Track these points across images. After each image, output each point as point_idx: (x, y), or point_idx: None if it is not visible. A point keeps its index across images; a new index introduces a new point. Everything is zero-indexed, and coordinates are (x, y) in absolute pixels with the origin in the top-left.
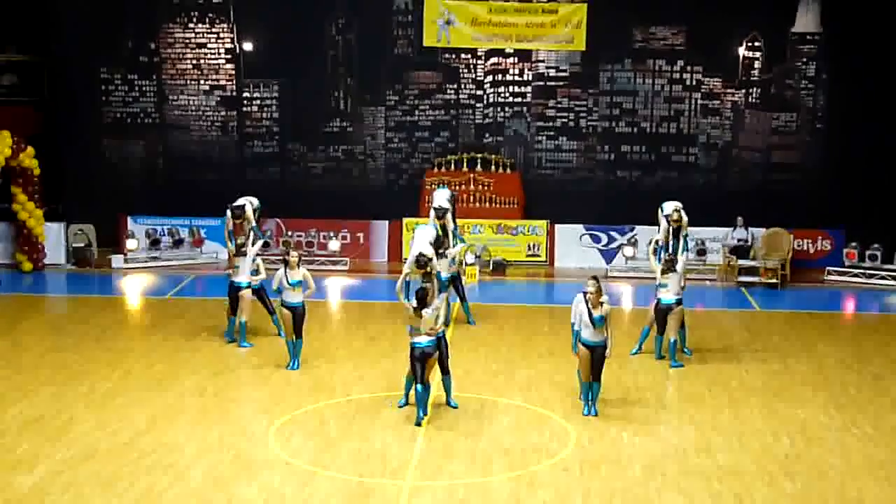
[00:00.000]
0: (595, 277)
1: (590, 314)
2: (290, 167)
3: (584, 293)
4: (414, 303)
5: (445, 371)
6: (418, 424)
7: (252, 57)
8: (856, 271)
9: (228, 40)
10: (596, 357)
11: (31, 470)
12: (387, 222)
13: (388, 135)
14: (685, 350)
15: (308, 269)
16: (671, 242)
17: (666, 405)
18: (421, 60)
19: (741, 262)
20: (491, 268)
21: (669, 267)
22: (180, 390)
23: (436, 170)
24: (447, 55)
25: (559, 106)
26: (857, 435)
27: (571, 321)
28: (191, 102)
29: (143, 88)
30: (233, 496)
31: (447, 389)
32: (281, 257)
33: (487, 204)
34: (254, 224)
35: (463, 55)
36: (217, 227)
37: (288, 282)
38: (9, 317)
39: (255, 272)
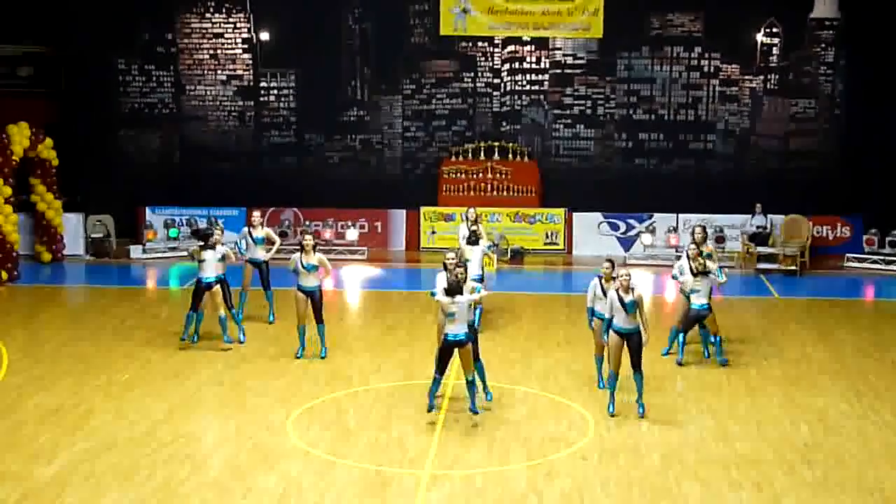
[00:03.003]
0: (610, 259)
1: (621, 300)
2: (307, 157)
3: (600, 277)
4: (447, 298)
5: (476, 358)
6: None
7: (269, 47)
8: (875, 258)
9: (245, 30)
10: (632, 346)
11: (50, 461)
12: (404, 211)
13: (405, 124)
14: (679, 356)
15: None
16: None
17: (684, 394)
18: (437, 49)
19: (760, 249)
20: (509, 256)
21: (701, 271)
22: (198, 381)
23: (453, 158)
24: (464, 44)
25: (576, 94)
26: (876, 422)
27: (588, 306)
28: (208, 93)
29: (161, 79)
30: (251, 486)
31: (482, 380)
32: (297, 243)
33: (505, 192)
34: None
35: (480, 43)
36: (235, 218)
37: (303, 265)
38: (28, 308)
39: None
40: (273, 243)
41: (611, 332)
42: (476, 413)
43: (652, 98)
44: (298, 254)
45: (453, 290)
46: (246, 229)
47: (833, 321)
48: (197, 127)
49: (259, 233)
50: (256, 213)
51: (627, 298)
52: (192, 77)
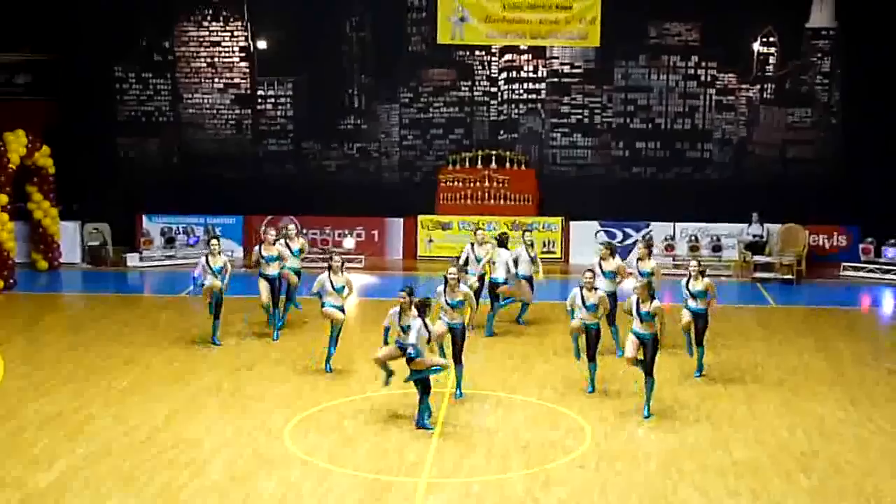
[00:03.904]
0: (591, 269)
1: (638, 309)
2: (305, 165)
3: (581, 287)
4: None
5: (458, 361)
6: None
7: (266, 55)
8: (871, 266)
9: (243, 38)
10: (647, 351)
11: (50, 466)
12: (401, 219)
13: (403, 132)
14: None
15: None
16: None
17: (682, 401)
18: (435, 57)
19: (756, 257)
20: None
21: (700, 273)
22: (198, 387)
23: (450, 167)
24: (461, 52)
25: (574, 102)
26: (873, 430)
27: (567, 308)
28: (205, 101)
29: (158, 87)
30: (250, 491)
31: (458, 379)
32: (326, 264)
33: (502, 201)
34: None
35: (477, 52)
36: (232, 226)
37: (333, 287)
38: (25, 315)
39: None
40: (303, 252)
41: (630, 335)
42: (420, 427)
43: (649, 107)
44: (326, 274)
45: (421, 309)
46: (283, 243)
47: (830, 329)
48: (194, 135)
49: (296, 244)
50: (292, 226)
51: (644, 309)
52: (189, 85)
